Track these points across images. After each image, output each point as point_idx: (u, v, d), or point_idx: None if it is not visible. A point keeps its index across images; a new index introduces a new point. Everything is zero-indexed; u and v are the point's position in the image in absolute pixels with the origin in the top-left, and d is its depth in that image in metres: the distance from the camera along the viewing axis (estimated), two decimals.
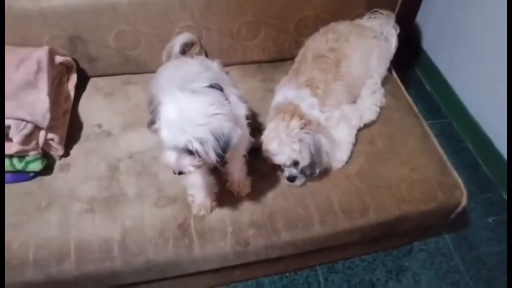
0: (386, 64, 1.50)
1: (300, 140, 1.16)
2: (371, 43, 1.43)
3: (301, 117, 1.19)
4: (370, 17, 1.51)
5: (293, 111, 1.20)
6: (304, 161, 1.17)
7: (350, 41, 1.37)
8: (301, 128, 1.18)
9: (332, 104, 1.30)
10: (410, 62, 2.21)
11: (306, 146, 1.16)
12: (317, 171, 1.21)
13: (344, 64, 1.34)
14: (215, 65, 1.33)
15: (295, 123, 1.18)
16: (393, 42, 1.50)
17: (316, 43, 1.40)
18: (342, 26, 1.43)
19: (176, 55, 1.37)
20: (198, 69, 1.16)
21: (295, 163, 1.19)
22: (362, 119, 1.37)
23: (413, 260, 1.54)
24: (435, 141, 1.40)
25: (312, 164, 1.18)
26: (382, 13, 1.50)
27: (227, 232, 1.14)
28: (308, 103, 1.24)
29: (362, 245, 1.41)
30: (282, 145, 1.17)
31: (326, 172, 1.26)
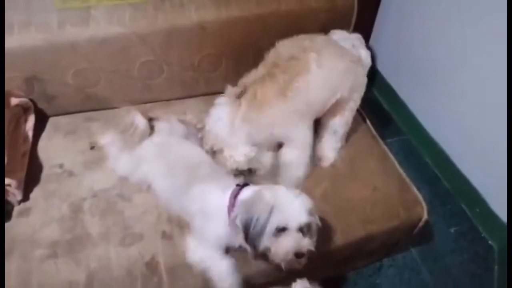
0: (360, 94, 1.37)
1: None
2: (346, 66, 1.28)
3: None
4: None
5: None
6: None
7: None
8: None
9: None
10: (368, 83, 2.30)
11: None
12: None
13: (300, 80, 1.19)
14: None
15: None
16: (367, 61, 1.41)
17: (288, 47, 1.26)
18: (320, 39, 1.28)
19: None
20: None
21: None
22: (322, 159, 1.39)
23: (383, 277, 1.57)
24: (393, 159, 1.46)
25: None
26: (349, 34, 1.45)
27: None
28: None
29: (332, 267, 1.43)
30: (233, 136, 1.10)
31: None
